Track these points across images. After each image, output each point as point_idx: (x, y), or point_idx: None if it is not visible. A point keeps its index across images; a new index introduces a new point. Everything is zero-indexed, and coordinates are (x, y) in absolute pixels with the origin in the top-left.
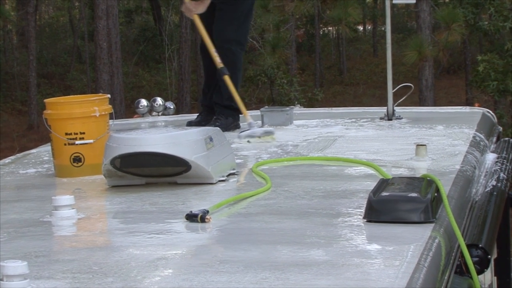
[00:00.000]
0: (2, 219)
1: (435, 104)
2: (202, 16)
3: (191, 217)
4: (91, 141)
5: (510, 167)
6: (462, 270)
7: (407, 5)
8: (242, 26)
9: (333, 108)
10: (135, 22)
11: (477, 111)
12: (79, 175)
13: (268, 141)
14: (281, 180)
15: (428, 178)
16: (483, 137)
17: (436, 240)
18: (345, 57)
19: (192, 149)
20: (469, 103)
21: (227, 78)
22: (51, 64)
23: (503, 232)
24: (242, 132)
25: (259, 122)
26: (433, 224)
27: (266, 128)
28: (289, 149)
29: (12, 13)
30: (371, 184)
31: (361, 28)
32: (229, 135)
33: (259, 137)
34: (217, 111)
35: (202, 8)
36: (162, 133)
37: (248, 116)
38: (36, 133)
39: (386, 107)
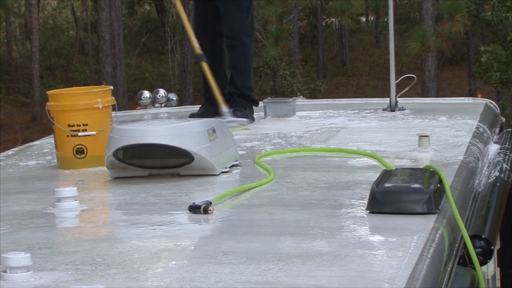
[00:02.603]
0: (5, 211)
1: (438, 95)
2: (202, 8)
3: (194, 209)
4: (94, 132)
5: None
6: (465, 261)
7: None
8: (248, 15)
9: (336, 99)
10: (138, 13)
11: (480, 102)
12: (82, 166)
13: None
14: (284, 172)
15: (431, 169)
16: (486, 128)
17: (439, 231)
18: (348, 48)
19: (195, 140)
20: (472, 94)
21: (204, 65)
22: (54, 56)
23: (506, 223)
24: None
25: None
26: (436, 215)
27: (241, 120)
28: (292, 140)
29: (15, 4)
30: (374, 175)
31: (363, 19)
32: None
33: (234, 128)
34: (234, 102)
35: None
36: (165, 124)
37: (224, 106)
38: (39, 124)
39: (389, 98)
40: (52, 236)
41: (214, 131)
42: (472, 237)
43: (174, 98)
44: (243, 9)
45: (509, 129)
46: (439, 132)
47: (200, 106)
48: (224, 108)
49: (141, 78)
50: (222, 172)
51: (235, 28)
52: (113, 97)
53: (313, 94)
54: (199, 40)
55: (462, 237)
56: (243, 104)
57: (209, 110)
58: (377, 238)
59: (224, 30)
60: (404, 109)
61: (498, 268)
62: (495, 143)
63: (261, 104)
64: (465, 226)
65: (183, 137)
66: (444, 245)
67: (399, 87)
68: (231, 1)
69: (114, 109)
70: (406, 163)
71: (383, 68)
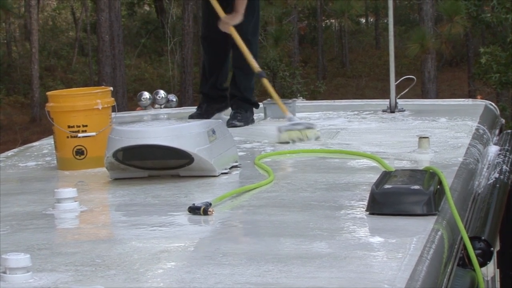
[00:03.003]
0: (5, 211)
1: (438, 96)
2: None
3: (193, 210)
4: (94, 133)
5: None
6: (464, 262)
7: None
8: (254, 15)
9: (336, 100)
10: (137, 14)
11: (480, 103)
12: (82, 167)
13: (310, 138)
14: (284, 173)
15: (430, 171)
16: (485, 129)
17: (439, 233)
18: (348, 49)
19: (194, 141)
20: (471, 95)
21: (266, 81)
22: (54, 57)
23: (506, 224)
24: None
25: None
26: (435, 217)
27: (307, 121)
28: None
29: (15, 5)
30: (374, 177)
31: (363, 20)
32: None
33: (300, 131)
34: (235, 105)
35: (238, 18)
36: (165, 125)
37: (287, 112)
38: (38, 125)
39: (388, 100)
40: (52, 237)
41: (214, 132)
42: (471, 239)
43: (174, 99)
44: (253, 9)
45: (509, 131)
46: (439, 134)
47: (197, 106)
48: (288, 114)
49: (141, 79)
50: (222, 173)
51: (243, 28)
52: (112, 98)
53: (312, 95)
54: (212, 36)
55: (461, 238)
56: (243, 107)
57: (207, 109)
58: (377, 239)
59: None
60: (404, 111)
61: (498, 270)
62: (495, 144)
63: (260, 105)
64: (465, 227)
65: (183, 138)
66: (444, 246)
67: (398, 88)
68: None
69: (113, 110)
70: (405, 164)
71: (382, 69)
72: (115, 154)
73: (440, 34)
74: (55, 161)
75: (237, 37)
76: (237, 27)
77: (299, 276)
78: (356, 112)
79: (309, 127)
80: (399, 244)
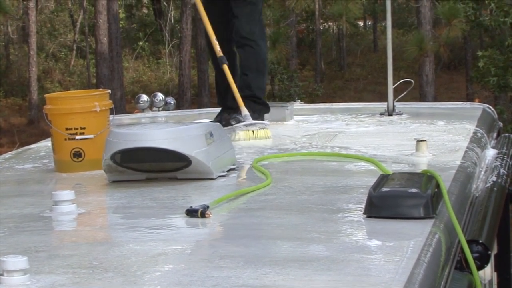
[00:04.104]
0: (2, 214)
1: (436, 99)
2: (215, 11)
3: (191, 213)
4: (92, 136)
5: (511, 163)
6: (462, 265)
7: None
8: (260, 19)
9: (334, 103)
10: (136, 17)
11: (478, 106)
12: (79, 170)
13: (261, 138)
14: (281, 176)
15: (428, 174)
16: (483, 132)
17: (436, 236)
18: (346, 52)
19: (192, 144)
20: (469, 98)
21: (226, 68)
22: (52, 59)
23: (503, 227)
24: (237, 124)
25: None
26: (433, 220)
27: (261, 121)
28: (289, 144)
29: (13, 7)
30: (371, 180)
31: (361, 23)
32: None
33: (253, 131)
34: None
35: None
36: (163, 128)
37: (244, 108)
38: (36, 128)
39: (386, 103)
40: (49, 239)
41: (211, 135)
42: (469, 242)
43: (172, 102)
44: (256, 13)
45: (507, 134)
46: (437, 137)
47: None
48: (244, 110)
49: (139, 82)
50: (220, 176)
51: (246, 30)
52: (110, 101)
53: (310, 98)
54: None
55: (459, 241)
56: (251, 106)
57: (223, 117)
58: (374, 242)
59: (237, 30)
60: (402, 114)
61: (495, 273)
62: (493, 148)
63: None
64: (462, 230)
65: (181, 141)
66: (441, 249)
67: (396, 91)
68: (243, 5)
69: (111, 113)
70: (403, 167)
71: (380, 72)
72: (113, 157)
73: (438, 37)
74: (53, 164)
75: (202, 11)
76: (242, 27)
77: (296, 279)
78: (354, 115)
79: (263, 127)
80: (397, 247)
